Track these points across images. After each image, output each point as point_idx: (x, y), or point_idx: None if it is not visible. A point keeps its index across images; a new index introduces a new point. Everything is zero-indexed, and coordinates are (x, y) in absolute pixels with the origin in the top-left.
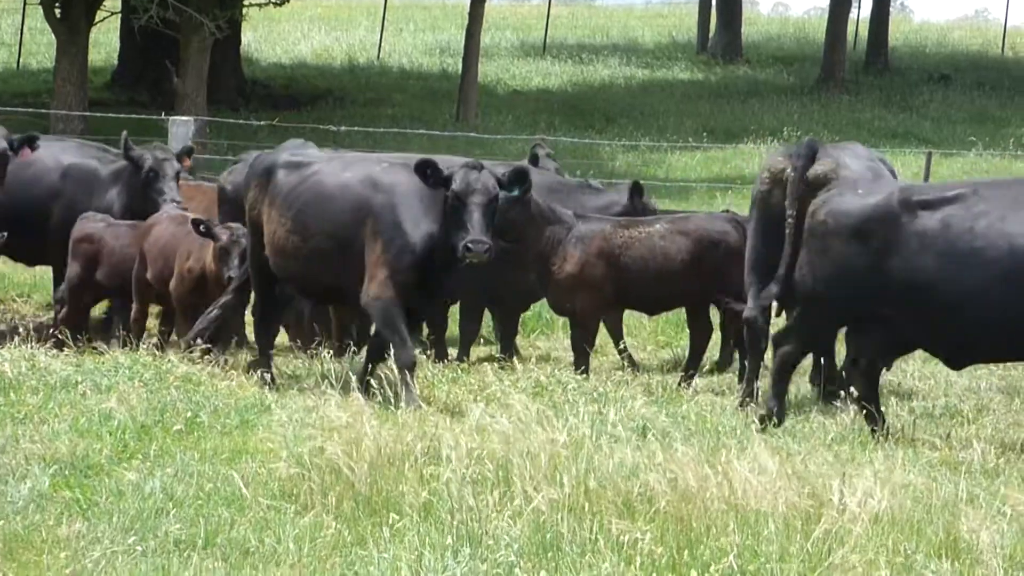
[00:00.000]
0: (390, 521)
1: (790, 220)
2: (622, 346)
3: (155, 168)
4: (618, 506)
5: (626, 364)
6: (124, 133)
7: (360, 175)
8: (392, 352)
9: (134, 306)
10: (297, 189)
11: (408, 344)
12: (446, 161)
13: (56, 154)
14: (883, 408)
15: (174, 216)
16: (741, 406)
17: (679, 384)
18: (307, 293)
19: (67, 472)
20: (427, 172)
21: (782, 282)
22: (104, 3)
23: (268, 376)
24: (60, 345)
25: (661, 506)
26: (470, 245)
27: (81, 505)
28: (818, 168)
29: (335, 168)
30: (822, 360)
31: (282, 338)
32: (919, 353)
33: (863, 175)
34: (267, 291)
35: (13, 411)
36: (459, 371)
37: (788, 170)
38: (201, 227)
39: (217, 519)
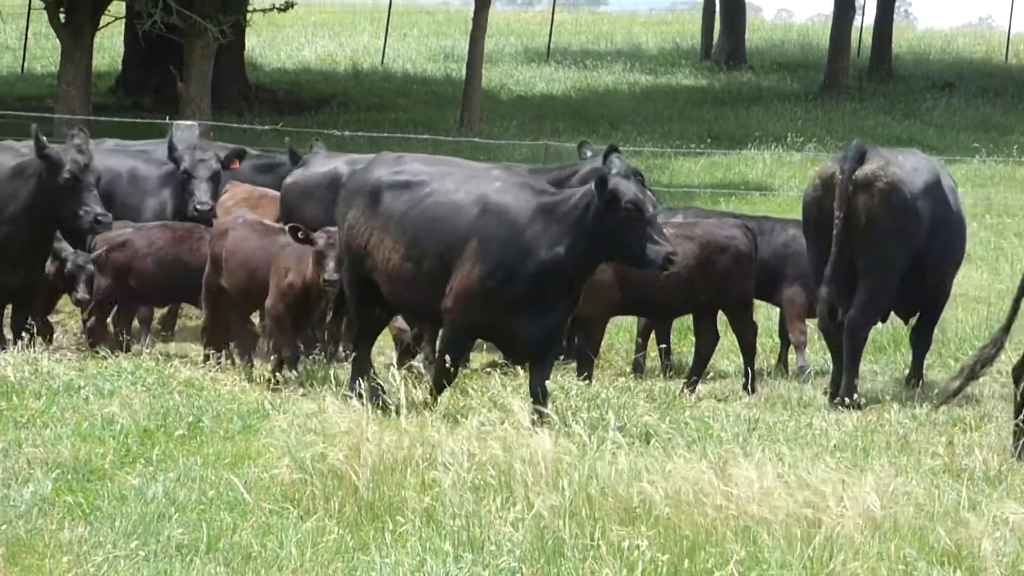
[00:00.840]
0: (392, 526)
1: (837, 221)
2: (640, 355)
3: (190, 169)
4: (619, 513)
5: (633, 370)
6: (170, 133)
7: (472, 195)
8: (436, 363)
9: (205, 315)
10: (410, 213)
11: (454, 370)
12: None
13: (103, 158)
14: (885, 415)
15: (252, 223)
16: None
17: (682, 391)
18: (424, 320)
19: (70, 476)
20: (604, 185)
21: (829, 283)
22: (108, 8)
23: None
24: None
25: (663, 513)
26: (672, 258)
27: (84, 509)
28: (867, 168)
29: (447, 187)
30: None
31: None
32: None
33: (916, 171)
34: (366, 310)
35: (16, 415)
36: (461, 376)
37: (837, 173)
38: (300, 234)
39: (219, 524)
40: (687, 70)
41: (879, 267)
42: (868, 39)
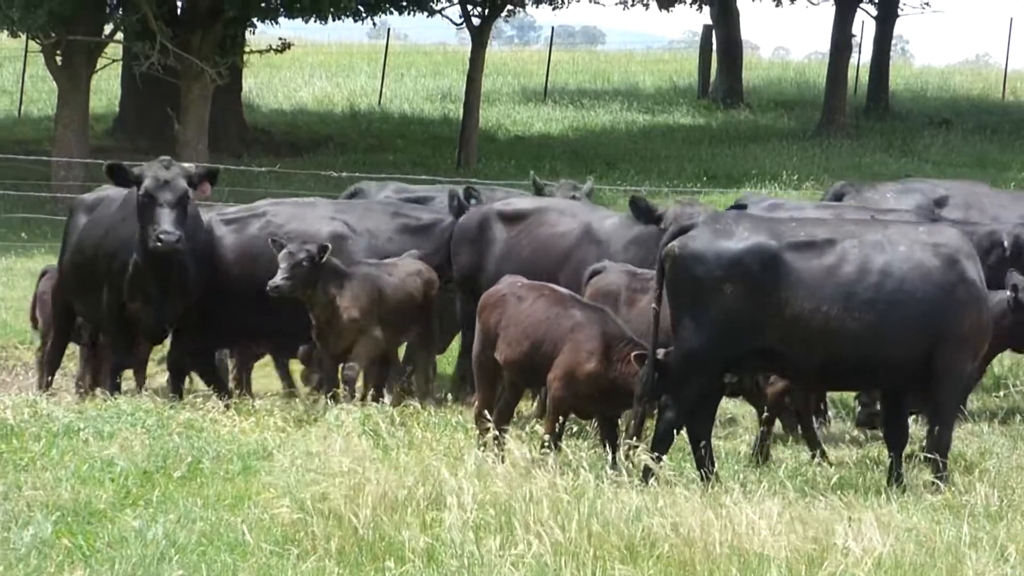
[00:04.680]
0: (392, 567)
1: None
2: None
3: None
4: (621, 550)
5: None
6: (460, 190)
7: (913, 243)
8: (940, 429)
9: (479, 394)
10: (840, 269)
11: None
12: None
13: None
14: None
15: (537, 287)
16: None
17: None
18: (865, 382)
19: (69, 519)
20: None
21: None
22: (105, 50)
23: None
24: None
25: (664, 550)
26: None
27: (83, 552)
28: None
29: (872, 239)
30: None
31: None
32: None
33: None
34: (708, 383)
35: (16, 458)
36: (460, 415)
37: None
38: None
39: (220, 565)
40: (684, 109)
41: None
42: (865, 77)
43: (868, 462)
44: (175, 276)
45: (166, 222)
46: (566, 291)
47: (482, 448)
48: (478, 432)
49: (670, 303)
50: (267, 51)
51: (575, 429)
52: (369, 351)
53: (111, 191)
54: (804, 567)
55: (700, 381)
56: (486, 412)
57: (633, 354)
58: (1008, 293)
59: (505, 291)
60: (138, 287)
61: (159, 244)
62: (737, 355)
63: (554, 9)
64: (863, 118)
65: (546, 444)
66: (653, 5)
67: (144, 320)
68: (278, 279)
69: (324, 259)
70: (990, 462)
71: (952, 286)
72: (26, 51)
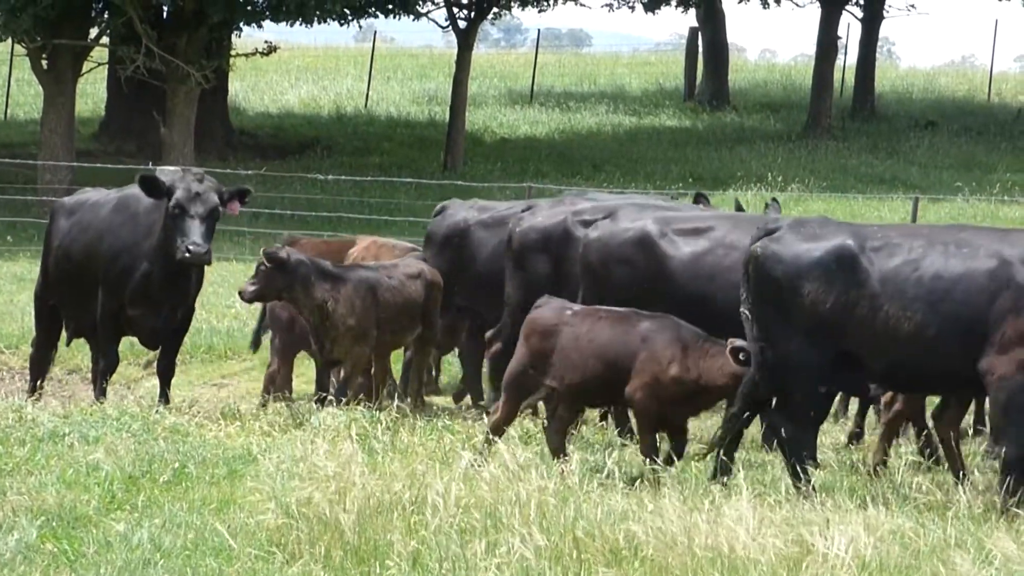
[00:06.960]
0: (378, 570)
1: None
2: None
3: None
4: (605, 554)
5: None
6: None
7: (984, 250)
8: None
9: (504, 408)
10: (913, 276)
11: None
12: None
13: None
14: (870, 454)
15: (595, 313)
16: None
17: None
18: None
19: (55, 524)
20: None
21: None
22: (91, 54)
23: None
24: None
25: (648, 554)
26: None
27: (69, 557)
28: None
29: (943, 241)
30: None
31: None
32: None
33: None
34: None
35: (0, 463)
36: (447, 419)
37: None
38: (740, 355)
39: (205, 570)
40: (670, 111)
41: None
42: (851, 79)
43: (852, 465)
44: (186, 285)
45: (196, 234)
46: (623, 308)
47: (472, 451)
48: (486, 442)
49: (755, 306)
50: (253, 54)
51: None
52: (364, 358)
53: (92, 194)
54: (787, 570)
55: (807, 382)
56: (502, 427)
57: (741, 354)
58: None
59: (556, 320)
60: (144, 294)
61: (188, 256)
62: (825, 358)
63: (540, 12)
64: (849, 120)
65: (645, 462)
66: (639, 7)
67: (144, 326)
68: (244, 285)
69: (290, 262)
70: (974, 463)
71: (995, 294)
72: (12, 54)
